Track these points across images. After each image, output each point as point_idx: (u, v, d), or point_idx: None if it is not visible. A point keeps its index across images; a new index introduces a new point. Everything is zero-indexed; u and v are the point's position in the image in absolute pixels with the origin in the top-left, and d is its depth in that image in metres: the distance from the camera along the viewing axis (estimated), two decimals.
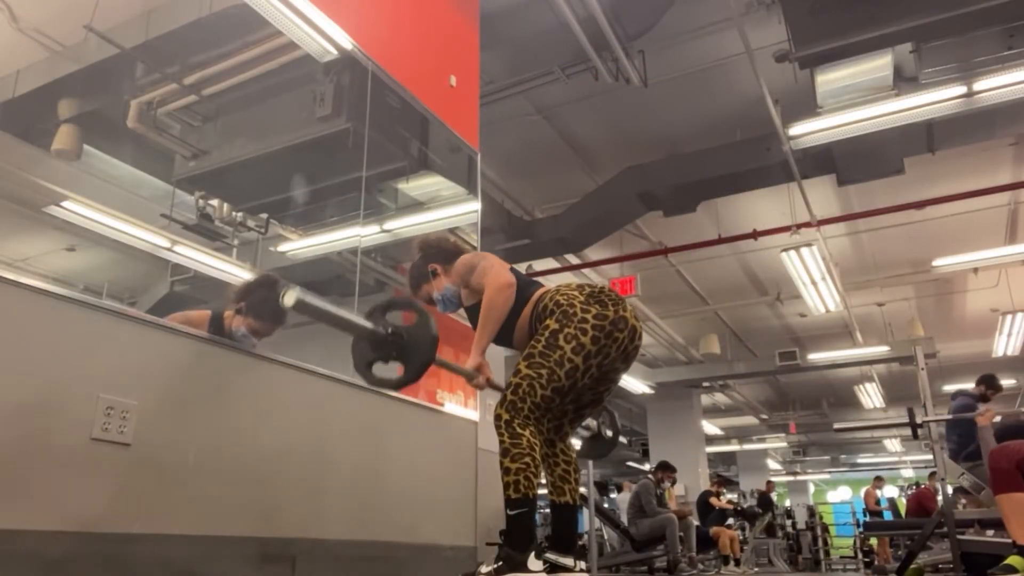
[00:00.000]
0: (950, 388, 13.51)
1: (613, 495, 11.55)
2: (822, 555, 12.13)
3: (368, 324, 2.10)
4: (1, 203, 3.33)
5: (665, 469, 7.79)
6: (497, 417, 2.11)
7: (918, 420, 4.10)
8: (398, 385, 2.15)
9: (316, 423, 2.73)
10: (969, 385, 4.95)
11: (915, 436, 4.21)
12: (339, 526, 2.72)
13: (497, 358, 4.13)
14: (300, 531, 2.54)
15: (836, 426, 5.34)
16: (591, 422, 2.88)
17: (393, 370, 2.19)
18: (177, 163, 3.80)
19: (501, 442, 2.08)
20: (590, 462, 5.18)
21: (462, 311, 2.49)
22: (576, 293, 2.21)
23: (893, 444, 20.36)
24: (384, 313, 2.17)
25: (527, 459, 2.03)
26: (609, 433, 2.89)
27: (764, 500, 12.38)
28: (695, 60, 5.74)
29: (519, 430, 2.06)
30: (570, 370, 2.10)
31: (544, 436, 2.29)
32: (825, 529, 12.74)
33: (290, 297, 1.82)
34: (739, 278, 9.78)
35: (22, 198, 3.43)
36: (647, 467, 9.97)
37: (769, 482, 13.35)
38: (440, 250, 2.49)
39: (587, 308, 2.15)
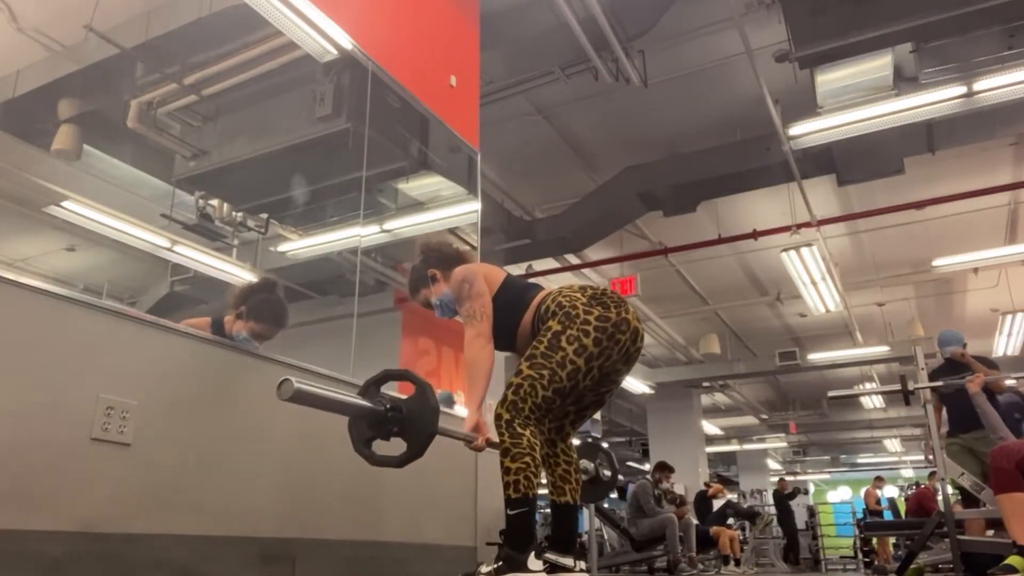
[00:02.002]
0: None
1: (613, 495, 11.51)
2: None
3: (366, 403, 2.03)
4: (1, 203, 3.33)
5: (664, 469, 7.80)
6: (498, 417, 2.11)
7: (910, 387, 4.15)
8: (401, 463, 2.05)
9: (316, 423, 2.72)
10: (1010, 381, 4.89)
11: (907, 402, 4.27)
12: (339, 526, 2.72)
13: (498, 358, 4.13)
14: (300, 531, 2.54)
15: (831, 395, 5.41)
16: (588, 465, 2.82)
17: (393, 447, 2.11)
18: (177, 163, 3.81)
19: (501, 442, 2.08)
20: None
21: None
22: (578, 295, 2.21)
23: (893, 444, 20.36)
24: (379, 387, 2.10)
25: (527, 459, 2.03)
26: (607, 474, 2.86)
27: (779, 497, 12.35)
28: (695, 60, 5.74)
29: (519, 430, 2.06)
30: (572, 371, 2.10)
31: (545, 436, 2.29)
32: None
33: (286, 390, 1.77)
34: (739, 278, 9.78)
35: (22, 198, 3.43)
36: (647, 467, 10.02)
37: (783, 480, 13.24)
38: (441, 255, 2.48)
39: (589, 310, 2.15)
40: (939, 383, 4.37)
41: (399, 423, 2.05)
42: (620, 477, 2.99)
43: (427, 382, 2.08)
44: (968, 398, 4.11)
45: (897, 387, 4.24)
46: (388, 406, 2.05)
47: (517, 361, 2.24)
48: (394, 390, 2.28)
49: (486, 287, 2.30)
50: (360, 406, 2.02)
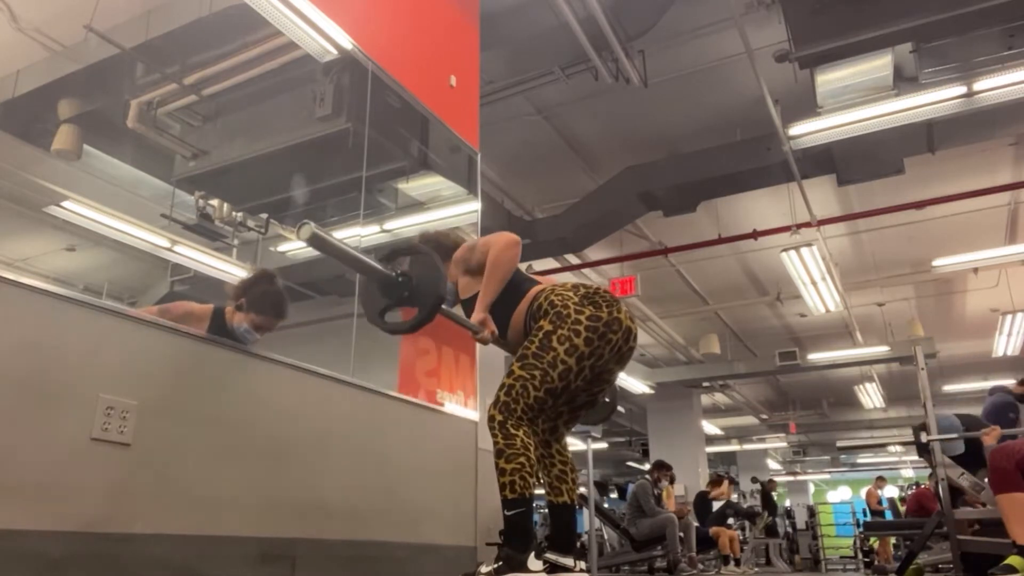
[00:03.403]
0: (950, 388, 13.54)
1: (613, 495, 11.51)
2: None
3: (379, 266, 2.15)
4: (1, 203, 3.33)
5: (662, 468, 7.79)
6: (491, 418, 2.11)
7: (923, 439, 4.12)
8: (413, 327, 2.17)
9: (316, 423, 2.73)
10: (1008, 381, 4.84)
11: (920, 455, 4.24)
12: (339, 526, 2.72)
13: (497, 359, 4.13)
14: (300, 531, 2.54)
15: (839, 444, 5.34)
16: None
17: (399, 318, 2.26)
18: (177, 163, 3.80)
19: (495, 443, 2.08)
20: (590, 464, 5.18)
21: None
22: (570, 294, 2.20)
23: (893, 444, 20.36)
24: (390, 261, 2.23)
25: (522, 459, 2.03)
26: (606, 399, 2.87)
27: (766, 495, 12.38)
28: (695, 60, 5.74)
29: (512, 431, 2.07)
30: (563, 371, 2.10)
31: (539, 437, 2.30)
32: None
33: (305, 231, 1.88)
34: (739, 278, 9.78)
35: (22, 198, 3.43)
36: (647, 467, 10.01)
37: (771, 480, 13.29)
38: (439, 245, 2.49)
39: (581, 309, 2.15)
40: (953, 435, 4.30)
41: (410, 289, 2.16)
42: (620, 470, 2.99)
43: (433, 251, 2.22)
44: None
45: (911, 439, 4.23)
46: (398, 272, 2.17)
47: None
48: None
49: None
50: (372, 267, 2.14)
